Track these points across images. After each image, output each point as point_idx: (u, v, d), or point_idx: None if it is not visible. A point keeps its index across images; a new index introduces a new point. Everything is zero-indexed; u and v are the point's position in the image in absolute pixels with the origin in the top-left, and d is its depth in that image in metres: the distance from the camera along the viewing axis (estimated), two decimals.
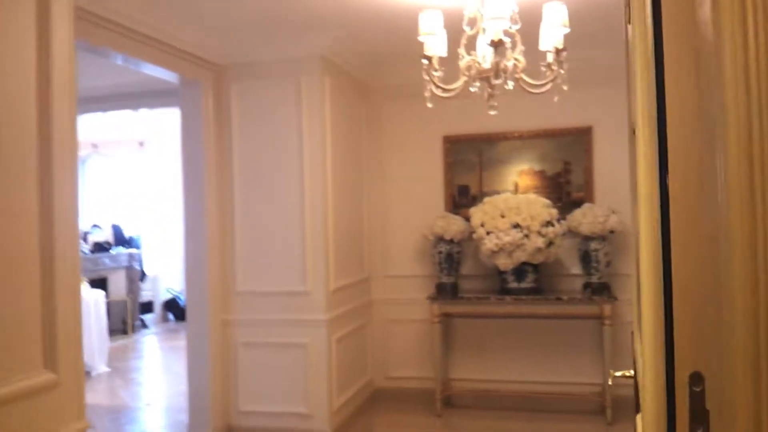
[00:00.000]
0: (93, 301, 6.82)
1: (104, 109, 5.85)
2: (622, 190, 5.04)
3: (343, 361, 4.70)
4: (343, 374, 4.71)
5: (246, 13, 3.91)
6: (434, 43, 2.88)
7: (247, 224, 4.56)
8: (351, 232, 5.03)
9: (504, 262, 4.70)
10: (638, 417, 1.64)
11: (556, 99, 2.98)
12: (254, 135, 4.55)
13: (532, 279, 4.83)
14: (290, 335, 4.45)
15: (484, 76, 2.95)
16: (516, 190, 5.15)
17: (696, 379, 0.82)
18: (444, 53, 3.00)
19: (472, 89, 3.05)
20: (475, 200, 5.19)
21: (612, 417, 4.64)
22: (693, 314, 0.82)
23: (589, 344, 5.02)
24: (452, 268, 4.99)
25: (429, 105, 3.15)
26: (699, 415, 0.81)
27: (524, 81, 2.96)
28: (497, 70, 2.83)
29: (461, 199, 5.29)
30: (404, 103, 5.41)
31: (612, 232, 4.75)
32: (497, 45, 2.70)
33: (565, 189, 5.12)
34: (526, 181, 5.18)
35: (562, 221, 4.81)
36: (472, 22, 3.01)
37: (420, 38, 2.94)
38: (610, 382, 1.74)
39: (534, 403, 5.02)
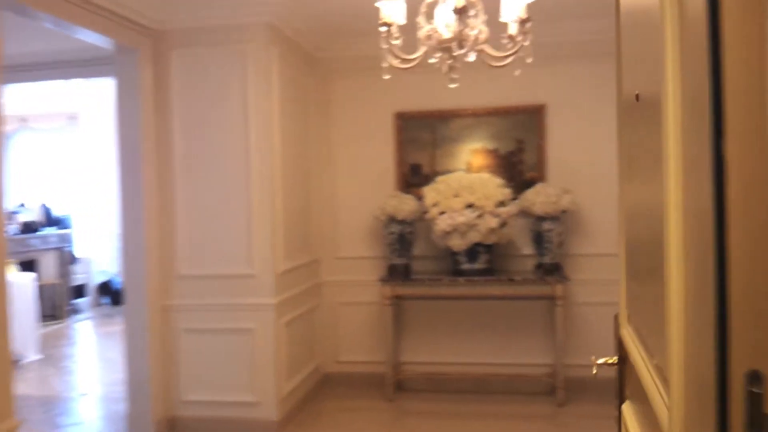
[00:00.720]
0: (22, 285, 6.40)
1: (33, 79, 5.43)
2: (575, 170, 5.03)
3: (291, 346, 4.53)
4: (292, 360, 4.54)
5: None
6: (392, 9, 2.71)
7: (189, 203, 4.30)
8: (299, 212, 4.83)
9: (457, 243, 4.60)
10: (624, 406, 1.54)
11: (517, 73, 2.85)
12: (197, 107, 4.28)
13: (485, 260, 4.75)
14: (236, 320, 4.24)
15: (444, 47, 2.80)
16: (469, 169, 5.05)
17: (754, 378, 0.69)
18: (403, 20, 2.83)
19: (431, 60, 2.89)
20: (427, 179, 5.07)
21: (564, 398, 4.64)
22: (753, 301, 0.69)
23: (541, 325, 4.99)
24: (404, 249, 4.87)
25: (386, 77, 2.98)
26: (758, 420, 0.68)
27: (486, 53, 2.82)
28: (460, 40, 2.68)
29: (413, 178, 5.15)
30: (354, 77, 5.22)
31: (564, 211, 4.72)
32: (461, 12, 2.55)
33: (518, 168, 5.04)
34: (479, 160, 5.08)
35: (516, 201, 4.74)
36: None
37: (377, 4, 2.76)
38: (594, 371, 1.63)
39: (486, 385, 4.98)
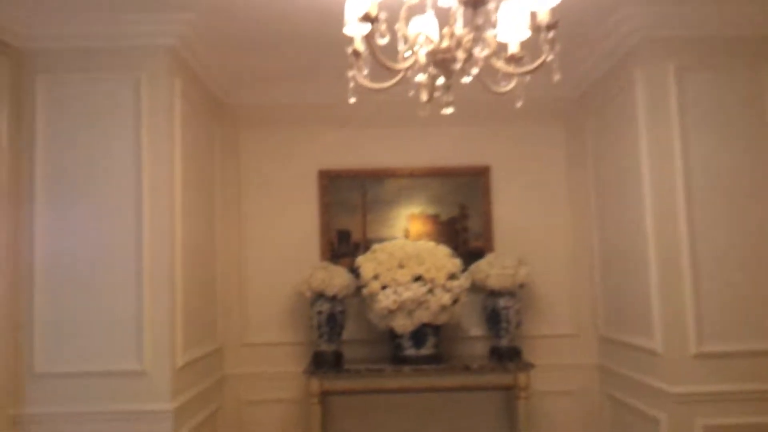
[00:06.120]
0: None
1: None
2: (525, 239, 4.40)
3: None
4: None
5: None
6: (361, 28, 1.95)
7: (54, 276, 3.18)
8: (202, 287, 3.82)
9: (402, 324, 3.77)
10: None
11: (556, 75, 2.09)
12: (68, 149, 3.24)
13: (433, 343, 3.94)
14: None
15: (440, 59, 2.07)
16: (407, 237, 4.30)
17: None
18: (385, 39, 2.04)
19: (418, 78, 2.15)
20: (357, 248, 4.27)
21: None
22: None
23: (497, 420, 4.20)
24: (334, 332, 3.95)
25: (351, 100, 2.20)
26: None
27: (496, 69, 2.12)
28: (469, 47, 1.97)
29: (341, 247, 4.31)
30: (271, 128, 4.40)
31: (522, 286, 4.05)
32: (476, 4, 1.83)
33: (462, 237, 4.36)
34: (417, 227, 4.34)
35: (465, 273, 4.02)
36: None
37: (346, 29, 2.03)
38: None
39: None
